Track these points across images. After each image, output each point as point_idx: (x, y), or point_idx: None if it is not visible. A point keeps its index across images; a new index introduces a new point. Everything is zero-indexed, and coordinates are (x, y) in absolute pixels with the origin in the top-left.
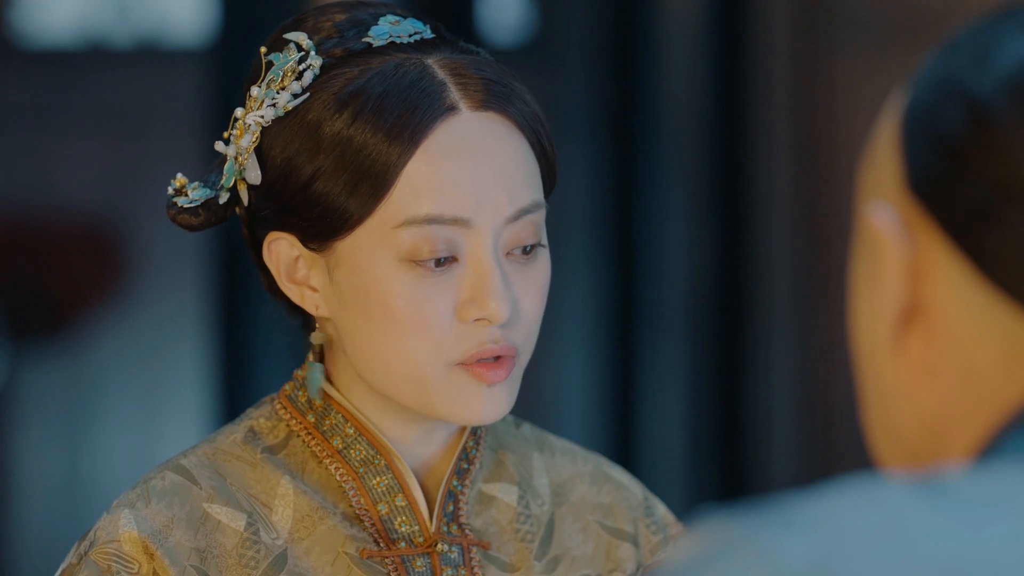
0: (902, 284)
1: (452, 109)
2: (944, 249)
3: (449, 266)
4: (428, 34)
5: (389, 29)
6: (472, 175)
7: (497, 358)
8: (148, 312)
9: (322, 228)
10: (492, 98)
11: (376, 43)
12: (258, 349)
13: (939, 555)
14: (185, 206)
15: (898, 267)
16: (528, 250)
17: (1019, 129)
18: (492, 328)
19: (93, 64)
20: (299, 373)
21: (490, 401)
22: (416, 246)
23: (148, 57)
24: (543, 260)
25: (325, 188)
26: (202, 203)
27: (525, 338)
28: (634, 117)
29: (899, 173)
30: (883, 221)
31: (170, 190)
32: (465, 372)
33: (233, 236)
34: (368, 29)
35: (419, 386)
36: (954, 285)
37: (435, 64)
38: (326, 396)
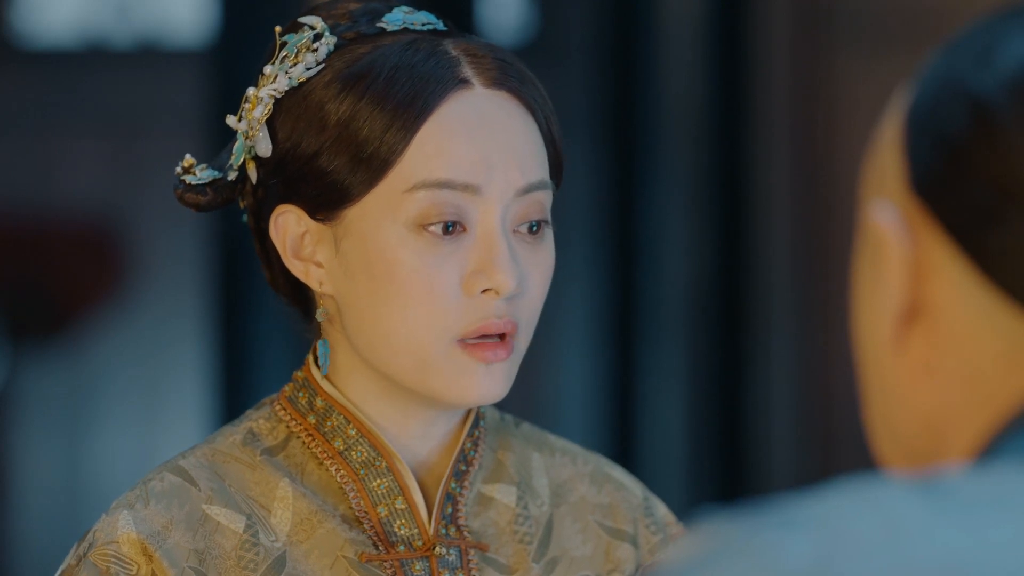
0: (904, 284)
1: (465, 83)
2: (946, 249)
3: (457, 235)
4: (441, 26)
5: (403, 16)
6: (484, 145)
7: (500, 336)
8: (148, 312)
9: (331, 196)
10: (505, 77)
11: (390, 28)
12: (258, 350)
13: (939, 555)
14: (192, 183)
15: (900, 267)
16: (535, 229)
17: (1021, 129)
18: (498, 302)
19: (93, 64)
20: (299, 375)
21: (488, 380)
22: (425, 210)
23: (148, 57)
24: (549, 242)
25: (329, 163)
26: (209, 182)
27: (528, 317)
28: (634, 117)
29: (901, 173)
30: (885, 220)
31: (178, 170)
32: (464, 352)
33: (233, 236)
34: (382, 16)
35: (419, 361)
36: (956, 285)
37: (448, 43)
38: (327, 397)
